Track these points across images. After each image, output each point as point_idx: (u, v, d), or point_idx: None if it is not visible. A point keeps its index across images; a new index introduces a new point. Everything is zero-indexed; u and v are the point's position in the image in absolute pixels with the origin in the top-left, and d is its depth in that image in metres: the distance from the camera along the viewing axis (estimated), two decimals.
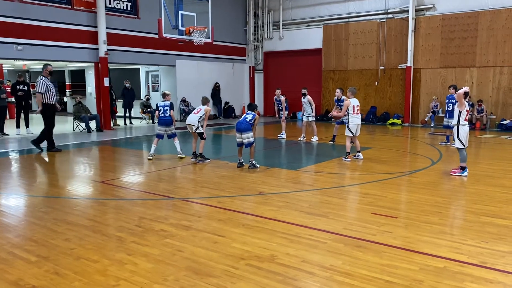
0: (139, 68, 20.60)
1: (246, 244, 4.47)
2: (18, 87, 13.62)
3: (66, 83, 23.51)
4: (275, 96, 13.48)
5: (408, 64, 17.26)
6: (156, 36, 14.15)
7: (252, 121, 8.52)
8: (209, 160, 9.27)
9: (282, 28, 20.86)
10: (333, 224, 5.12)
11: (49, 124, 10.59)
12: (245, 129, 8.39)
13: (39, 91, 10.24)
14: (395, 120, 17.68)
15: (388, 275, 3.72)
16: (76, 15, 14.72)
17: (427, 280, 3.63)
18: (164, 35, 13.29)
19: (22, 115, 14.02)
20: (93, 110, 15.81)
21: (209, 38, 14.33)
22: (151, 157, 9.50)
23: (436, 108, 16.63)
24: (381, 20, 17.95)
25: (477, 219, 5.30)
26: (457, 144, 7.75)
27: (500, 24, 15.42)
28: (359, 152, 9.51)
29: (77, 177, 8.32)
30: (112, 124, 16.01)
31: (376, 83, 18.43)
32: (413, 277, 3.68)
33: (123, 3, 16.06)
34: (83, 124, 14.77)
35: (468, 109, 7.76)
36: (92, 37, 15.12)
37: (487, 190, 6.77)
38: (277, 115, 13.79)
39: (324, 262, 4.02)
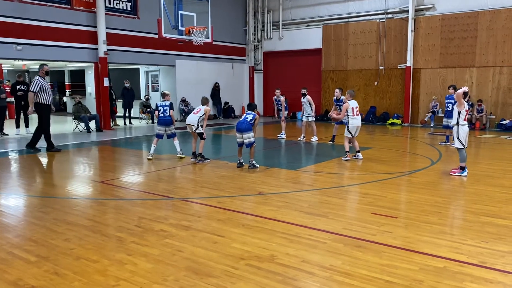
0: (138, 68, 20.60)
1: (246, 244, 4.47)
2: (17, 87, 13.61)
3: (66, 83, 23.52)
4: (275, 96, 13.48)
5: (408, 64, 17.27)
6: (156, 36, 14.16)
7: (253, 121, 8.52)
8: (208, 160, 9.27)
9: (282, 28, 20.86)
10: (333, 224, 5.12)
11: (44, 124, 10.53)
12: (246, 129, 8.39)
13: (32, 90, 10.20)
14: (395, 120, 17.68)
15: (388, 275, 3.72)
16: (75, 15, 14.71)
17: (427, 280, 3.63)
18: (164, 35, 13.29)
19: (22, 115, 14.01)
20: (93, 110, 15.81)
21: (208, 38, 14.33)
22: (150, 157, 9.49)
23: (436, 108, 16.64)
24: (381, 20, 17.96)
25: (476, 219, 5.31)
26: (457, 144, 7.75)
27: (499, 24, 15.42)
28: (358, 152, 9.52)
29: (77, 177, 8.32)
30: (111, 124, 16.01)
31: (375, 83, 18.44)
32: (413, 277, 3.68)
33: (122, 3, 16.06)
34: (82, 124, 14.76)
35: (467, 109, 7.77)
36: (92, 37, 15.11)
37: (487, 190, 6.77)
38: (276, 115, 13.79)
39: (323, 262, 4.02)
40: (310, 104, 12.49)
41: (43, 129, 10.56)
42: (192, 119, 9.20)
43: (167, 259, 4.11)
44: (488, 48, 15.74)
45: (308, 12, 19.91)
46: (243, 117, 8.64)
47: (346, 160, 9.30)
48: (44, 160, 9.92)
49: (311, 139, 12.52)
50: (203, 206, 6.08)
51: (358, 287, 3.53)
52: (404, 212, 5.81)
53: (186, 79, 18.81)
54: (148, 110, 18.33)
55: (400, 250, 4.29)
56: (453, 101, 10.25)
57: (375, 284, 3.57)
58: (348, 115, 9.38)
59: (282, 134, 13.29)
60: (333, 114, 9.98)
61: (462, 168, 7.80)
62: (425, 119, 17.08)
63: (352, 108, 9.33)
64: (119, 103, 17.61)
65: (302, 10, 20.08)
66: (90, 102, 18.15)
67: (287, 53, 20.96)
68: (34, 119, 15.46)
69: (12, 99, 14.61)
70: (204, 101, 9.35)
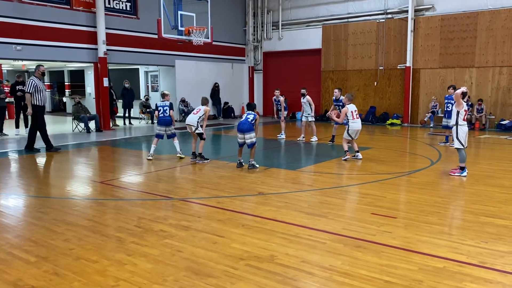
0: (138, 68, 20.60)
1: (246, 245, 4.47)
2: (17, 87, 13.60)
3: (65, 83, 23.50)
4: (274, 97, 13.49)
5: (407, 64, 17.27)
6: (156, 36, 14.15)
7: (254, 121, 8.53)
8: (208, 161, 9.27)
9: (282, 28, 20.86)
10: (333, 224, 5.13)
11: (39, 125, 10.48)
12: (248, 129, 8.41)
13: (27, 91, 10.17)
14: (395, 120, 17.69)
15: (387, 275, 3.72)
16: (75, 15, 14.71)
17: (426, 280, 3.63)
18: (164, 35, 13.29)
19: (21, 115, 14.00)
20: (93, 110, 15.80)
21: (208, 38, 14.33)
22: (150, 157, 9.49)
23: (435, 108, 16.64)
24: (381, 20, 17.96)
25: (476, 219, 5.31)
26: (456, 144, 7.76)
27: (499, 25, 15.43)
28: (357, 152, 9.53)
29: (76, 177, 8.32)
30: (111, 125, 16.00)
31: (375, 83, 18.44)
32: (412, 277, 3.68)
33: (122, 3, 16.06)
34: (82, 125, 14.76)
35: (466, 109, 7.78)
36: (91, 37, 15.11)
37: (486, 190, 6.78)
38: (276, 116, 13.77)
39: (323, 262, 4.02)
40: (309, 104, 12.49)
41: (39, 130, 10.48)
42: (191, 119, 9.21)
43: (167, 259, 4.11)
44: (488, 48, 15.75)
45: (307, 12, 19.91)
46: (244, 117, 8.63)
47: (345, 159, 9.30)
48: (43, 160, 9.92)
49: (311, 139, 12.52)
50: (203, 206, 6.08)
51: (358, 287, 3.53)
52: (403, 212, 5.81)
53: (186, 79, 18.81)
54: (147, 110, 18.33)
55: (399, 250, 4.30)
56: (452, 101, 10.24)
57: (374, 284, 3.57)
58: (348, 118, 9.44)
59: (281, 134, 13.29)
60: (332, 114, 10.00)
61: (462, 168, 7.81)
62: (425, 119, 17.09)
63: (352, 112, 9.39)
64: (119, 103, 17.61)
65: (302, 10, 20.09)
66: (90, 102, 18.15)
67: (286, 53, 20.97)
68: None
69: (12, 99, 14.60)
70: (204, 101, 9.36)
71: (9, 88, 15.40)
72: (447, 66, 16.68)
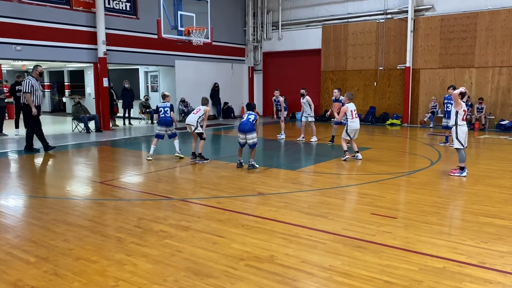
0: (138, 69, 20.60)
1: (246, 245, 4.47)
2: (17, 87, 13.60)
3: (65, 83, 23.50)
4: (274, 97, 13.49)
5: (407, 65, 17.27)
6: (155, 36, 14.16)
7: (255, 122, 8.55)
8: (208, 161, 9.27)
9: (281, 29, 20.86)
10: (332, 225, 5.13)
11: (35, 125, 10.45)
12: (250, 129, 8.42)
13: (26, 91, 10.14)
14: (394, 121, 17.69)
15: (387, 276, 3.72)
16: (75, 16, 14.71)
17: (426, 280, 3.64)
18: (163, 35, 13.29)
19: (21, 116, 13.99)
20: (92, 111, 15.80)
21: (208, 38, 14.33)
22: (150, 158, 9.50)
23: (435, 108, 16.65)
24: (380, 21, 17.96)
25: (476, 220, 5.31)
26: (456, 145, 7.76)
27: (499, 25, 15.43)
28: (357, 152, 9.53)
29: (76, 177, 8.32)
30: (111, 125, 16.00)
31: (375, 83, 18.44)
32: (412, 278, 3.68)
33: (122, 4, 16.06)
34: (82, 125, 14.76)
35: (465, 109, 7.79)
36: (91, 38, 15.11)
37: (486, 191, 6.78)
38: (275, 116, 13.77)
39: (323, 262, 4.03)
40: (309, 104, 12.50)
41: (34, 131, 10.46)
42: (191, 119, 9.22)
43: (167, 259, 4.11)
44: (488, 49, 15.76)
45: (307, 13, 19.91)
46: (245, 117, 8.63)
47: (345, 159, 9.31)
48: (43, 160, 9.91)
49: (311, 140, 12.52)
50: (203, 207, 6.08)
51: (358, 287, 3.53)
52: (403, 212, 5.81)
53: (186, 79, 18.80)
54: (147, 110, 18.33)
55: (399, 251, 4.30)
56: (452, 102, 10.24)
57: (374, 284, 3.57)
58: (347, 118, 9.45)
59: (281, 135, 13.30)
60: (334, 107, 9.86)
61: (462, 169, 7.81)
62: (425, 120, 17.09)
63: (351, 111, 9.41)
64: (119, 103, 17.60)
65: (302, 10, 20.09)
66: (90, 102, 18.14)
67: (286, 53, 20.97)
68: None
69: (12, 99, 14.59)
70: (204, 102, 9.38)
71: (7, 89, 15.40)
72: (447, 66, 16.68)
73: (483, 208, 5.82)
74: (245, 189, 7.01)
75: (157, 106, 9.77)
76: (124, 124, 17.14)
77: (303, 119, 12.81)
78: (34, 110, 10.30)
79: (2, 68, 19.49)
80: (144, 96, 19.19)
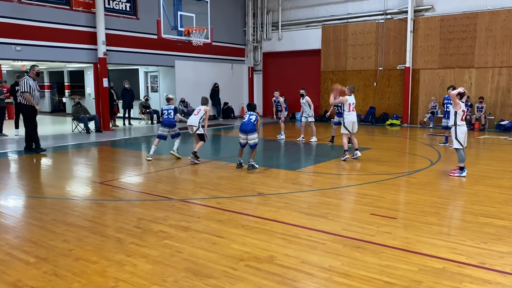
0: (138, 69, 20.59)
1: (245, 245, 4.47)
2: (16, 88, 13.58)
3: (65, 83, 23.50)
4: (274, 98, 13.49)
5: (407, 65, 17.27)
6: (155, 36, 14.16)
7: (256, 122, 8.56)
8: (199, 161, 9.17)
9: (281, 29, 20.86)
10: (332, 225, 5.13)
11: (31, 125, 10.44)
12: (251, 130, 8.43)
13: (25, 90, 10.12)
14: (394, 121, 17.69)
15: (387, 276, 3.72)
16: (75, 16, 14.71)
17: (426, 281, 3.64)
18: (163, 35, 13.30)
19: (21, 116, 13.98)
20: (92, 111, 15.80)
21: (208, 38, 14.33)
22: (150, 158, 9.50)
23: (435, 108, 16.65)
24: (380, 21, 17.97)
25: (475, 220, 5.31)
26: (455, 145, 7.77)
27: (498, 25, 15.44)
28: (356, 150, 9.54)
29: (76, 178, 8.32)
30: (111, 125, 16.00)
31: (375, 83, 18.44)
32: (412, 278, 3.68)
33: (122, 4, 16.06)
34: (82, 125, 14.76)
35: (464, 109, 7.79)
36: (91, 38, 15.11)
37: (486, 191, 6.78)
38: (275, 116, 13.77)
39: (323, 263, 4.03)
40: (309, 105, 12.51)
41: (29, 129, 10.45)
42: (193, 120, 9.24)
43: (166, 260, 4.11)
44: (487, 49, 15.76)
45: (307, 13, 19.91)
46: (246, 118, 8.62)
47: (345, 160, 9.31)
48: (43, 161, 9.91)
49: (311, 140, 12.53)
50: (203, 207, 6.08)
51: (357, 287, 3.53)
52: (403, 212, 5.81)
53: (186, 79, 18.80)
54: (147, 110, 18.33)
55: (399, 251, 4.30)
56: (451, 102, 10.26)
57: (374, 285, 3.57)
58: (344, 110, 9.50)
59: (281, 135, 13.30)
60: (337, 87, 9.59)
61: (461, 168, 7.81)
62: (424, 120, 17.09)
63: (349, 104, 9.42)
64: (120, 104, 17.60)
65: (301, 11, 20.09)
66: (90, 102, 18.13)
67: (286, 53, 20.97)
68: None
69: (11, 100, 14.59)
70: (204, 101, 9.43)
71: (6, 89, 15.38)
72: (447, 67, 16.68)
73: (483, 208, 5.82)
74: (245, 189, 7.01)
75: (162, 109, 9.96)
76: (124, 124, 17.14)
77: (303, 119, 12.82)
78: (37, 107, 10.33)
79: (2, 69, 19.49)
80: (144, 97, 19.18)
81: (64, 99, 23.71)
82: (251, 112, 8.72)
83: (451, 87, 11.22)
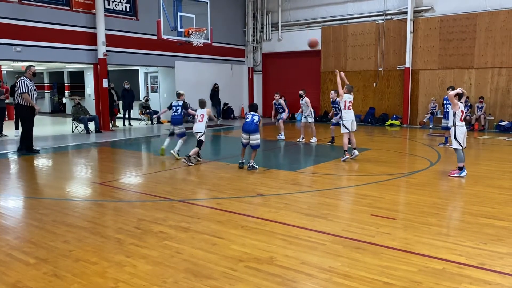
0: (138, 70, 20.60)
1: (245, 246, 4.47)
2: (15, 88, 13.59)
3: (65, 84, 23.51)
4: (274, 101, 13.46)
5: (407, 66, 17.28)
6: (155, 37, 14.15)
7: (258, 122, 8.57)
8: (192, 164, 9.00)
9: (281, 30, 20.87)
10: (332, 226, 5.13)
11: (28, 126, 10.42)
12: (254, 130, 8.44)
13: (23, 91, 10.10)
14: (394, 121, 17.70)
15: (387, 277, 3.73)
16: (75, 17, 14.71)
17: (425, 281, 3.64)
18: (163, 36, 13.29)
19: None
20: (92, 112, 15.80)
21: (208, 39, 14.33)
22: (177, 156, 9.49)
23: (435, 109, 16.65)
24: (380, 22, 17.98)
25: (475, 221, 5.31)
26: (454, 145, 7.78)
27: (498, 26, 15.45)
28: (354, 149, 9.55)
29: (76, 178, 8.32)
30: (111, 126, 16.00)
31: (374, 84, 18.45)
32: (411, 279, 3.69)
33: (122, 5, 16.06)
34: (82, 126, 14.76)
35: (463, 109, 7.81)
36: (91, 39, 15.11)
37: (486, 192, 6.79)
38: (273, 118, 13.75)
39: (323, 263, 4.03)
40: (308, 105, 12.52)
41: (25, 130, 10.45)
42: (199, 127, 9.15)
43: (166, 261, 4.11)
44: (487, 50, 15.77)
45: (307, 14, 19.92)
46: (249, 118, 8.60)
47: (344, 160, 9.32)
48: (43, 161, 9.92)
49: (310, 140, 12.54)
50: (202, 208, 6.08)
51: None
52: (403, 213, 5.81)
53: (186, 80, 18.79)
54: (147, 111, 18.34)
55: (399, 252, 4.30)
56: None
57: (374, 285, 3.57)
58: (340, 109, 9.61)
59: (281, 136, 13.30)
60: (341, 75, 9.67)
61: (460, 169, 7.82)
62: (424, 120, 17.10)
63: (345, 101, 9.43)
64: (120, 104, 17.60)
65: (301, 11, 20.10)
66: (90, 103, 18.14)
67: (286, 54, 20.97)
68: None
69: (11, 100, 14.59)
70: (203, 105, 9.37)
71: (6, 90, 15.38)
72: (446, 67, 16.69)
73: (482, 209, 5.82)
74: (245, 190, 7.01)
75: (171, 104, 10.00)
76: (124, 125, 17.14)
77: (303, 120, 12.83)
78: (37, 107, 10.33)
79: (2, 69, 19.49)
80: (144, 97, 19.19)
81: (64, 100, 23.72)
82: (254, 113, 8.72)
83: (451, 88, 11.24)
